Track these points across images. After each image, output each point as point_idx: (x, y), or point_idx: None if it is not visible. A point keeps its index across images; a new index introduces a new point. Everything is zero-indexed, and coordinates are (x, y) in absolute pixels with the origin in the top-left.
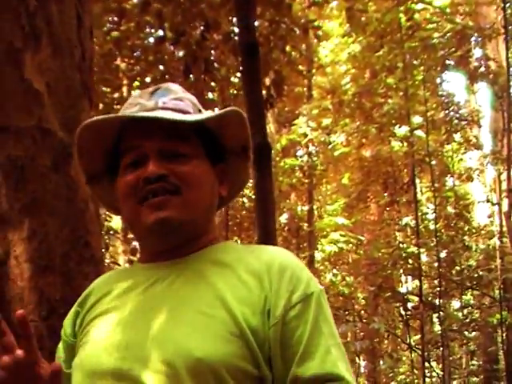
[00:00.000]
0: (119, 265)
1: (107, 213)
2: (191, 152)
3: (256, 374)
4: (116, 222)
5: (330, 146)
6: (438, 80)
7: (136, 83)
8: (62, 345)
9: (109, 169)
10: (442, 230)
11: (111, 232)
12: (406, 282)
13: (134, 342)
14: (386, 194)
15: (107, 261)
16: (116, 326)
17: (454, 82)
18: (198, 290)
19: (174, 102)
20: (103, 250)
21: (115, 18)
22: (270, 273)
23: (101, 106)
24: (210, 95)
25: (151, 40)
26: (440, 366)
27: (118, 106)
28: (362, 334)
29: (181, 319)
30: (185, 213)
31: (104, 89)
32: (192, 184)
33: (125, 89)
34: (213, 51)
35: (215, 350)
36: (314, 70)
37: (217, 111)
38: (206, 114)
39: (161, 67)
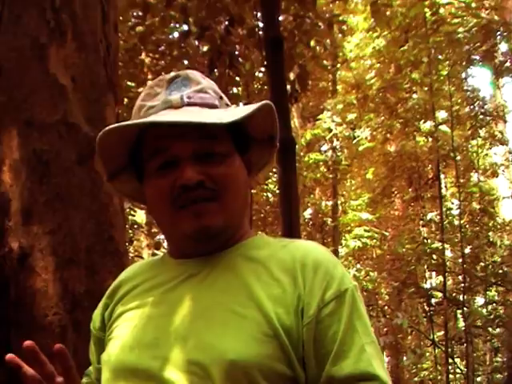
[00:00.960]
0: (143, 258)
1: (131, 207)
2: (224, 150)
3: (290, 375)
4: (140, 216)
5: (354, 141)
6: (463, 75)
7: None
8: (92, 340)
9: (130, 164)
10: (467, 226)
11: (135, 226)
12: (430, 278)
13: (164, 340)
14: (410, 190)
15: (131, 254)
16: (146, 323)
17: (479, 77)
18: (231, 288)
19: (200, 96)
20: (127, 244)
21: (140, 13)
22: (304, 270)
23: (125, 100)
24: (235, 90)
25: (176, 35)
26: (464, 362)
27: None
28: (385, 329)
29: (213, 319)
30: (224, 218)
31: (129, 83)
32: (228, 187)
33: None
34: (237, 46)
35: (248, 352)
36: (338, 65)
37: (248, 107)
38: (238, 110)
39: (185, 62)
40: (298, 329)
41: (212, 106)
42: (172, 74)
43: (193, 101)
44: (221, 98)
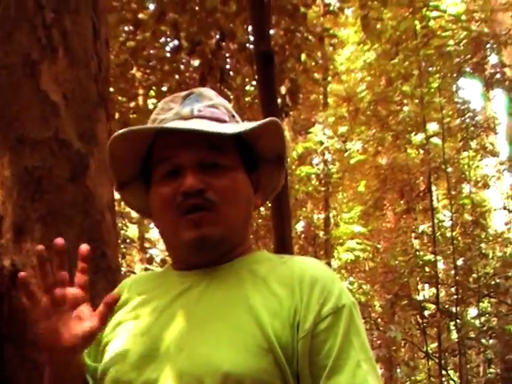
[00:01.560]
0: (135, 273)
1: (124, 222)
2: (229, 163)
3: None
4: (132, 230)
5: (346, 154)
6: (454, 87)
7: (152, 93)
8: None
9: (140, 174)
10: (459, 238)
11: (128, 241)
12: (423, 290)
13: (161, 352)
14: (402, 202)
15: (123, 269)
16: (144, 334)
17: (469, 89)
18: (229, 300)
19: (210, 110)
20: (120, 259)
21: (131, 28)
22: (302, 285)
23: (117, 115)
24: None
25: (167, 50)
26: (457, 374)
27: (135, 115)
28: (378, 342)
29: (209, 330)
30: (222, 230)
31: (120, 98)
32: (229, 199)
33: (141, 98)
34: (228, 60)
35: (243, 364)
36: (329, 78)
37: (255, 122)
38: (244, 124)
39: (176, 77)
40: (293, 343)
41: (221, 121)
42: (187, 91)
43: (203, 114)
44: (233, 116)
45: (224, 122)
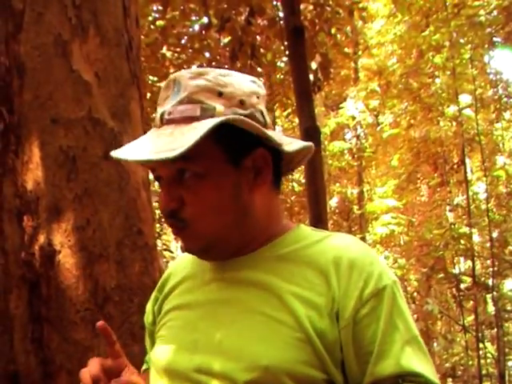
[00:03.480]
0: (172, 252)
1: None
2: (206, 167)
3: (324, 379)
4: None
5: (378, 128)
6: (486, 58)
7: None
8: (147, 332)
9: None
10: (494, 210)
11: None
12: (459, 263)
13: (201, 344)
14: (436, 175)
15: (159, 248)
16: (185, 325)
17: (502, 60)
18: (263, 291)
19: (180, 109)
20: (156, 237)
21: (160, 7)
22: (338, 271)
23: (148, 95)
24: None
25: (197, 27)
26: (494, 346)
27: None
28: (415, 315)
29: (245, 323)
30: (202, 241)
31: (151, 78)
32: (206, 211)
33: None
34: (258, 36)
35: (282, 358)
36: (360, 52)
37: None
38: (201, 128)
39: (207, 54)
40: (333, 332)
41: (191, 119)
42: (173, 76)
43: (171, 117)
44: (220, 93)
45: (194, 119)
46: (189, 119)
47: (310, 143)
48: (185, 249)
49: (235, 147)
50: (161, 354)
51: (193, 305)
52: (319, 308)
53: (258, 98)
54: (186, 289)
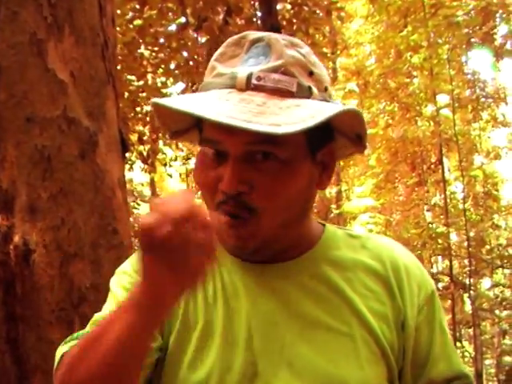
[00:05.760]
0: None
1: (136, 201)
2: (288, 156)
3: None
4: (144, 209)
5: None
6: (464, 58)
7: (160, 70)
8: (115, 298)
9: (195, 125)
10: (471, 209)
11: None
12: (436, 262)
13: (263, 366)
14: (413, 174)
15: (136, 247)
16: (232, 343)
17: (479, 60)
18: (327, 301)
19: (274, 78)
20: (132, 238)
21: (137, 6)
22: (398, 280)
23: (126, 94)
24: None
25: (174, 27)
26: (472, 345)
27: (144, 94)
28: None
29: (317, 340)
30: (261, 238)
31: (129, 77)
32: (277, 203)
33: (149, 76)
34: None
35: (367, 377)
36: (338, 52)
37: (330, 109)
38: (313, 112)
39: (184, 53)
40: (398, 342)
41: (285, 94)
42: (257, 35)
43: (262, 83)
44: (310, 73)
45: (290, 94)
46: (284, 93)
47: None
48: (236, 246)
49: (317, 137)
50: (203, 381)
51: (232, 316)
52: (387, 319)
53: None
54: (209, 296)
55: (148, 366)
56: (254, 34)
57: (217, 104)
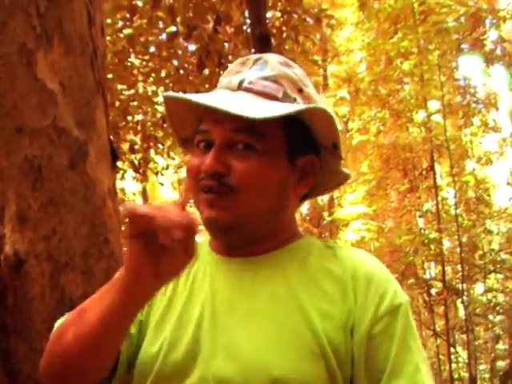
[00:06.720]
0: None
1: None
2: (265, 148)
3: None
4: None
5: (347, 135)
6: (454, 64)
7: (151, 79)
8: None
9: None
10: (463, 215)
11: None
12: (429, 268)
13: (203, 345)
14: (405, 181)
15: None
16: (187, 323)
17: (469, 66)
18: (277, 297)
19: (263, 84)
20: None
21: (127, 15)
22: (355, 284)
23: (117, 103)
24: None
25: (164, 36)
26: (466, 351)
27: (135, 103)
28: None
29: (256, 329)
30: (234, 215)
31: (119, 86)
32: (251, 185)
33: (140, 85)
34: (226, 44)
35: (295, 370)
36: (328, 60)
37: (302, 106)
38: (287, 107)
39: (175, 62)
40: (346, 346)
41: (270, 97)
42: (259, 55)
43: (251, 87)
44: (299, 90)
45: (274, 98)
46: (269, 96)
47: (348, 172)
48: (213, 219)
49: (297, 143)
50: (155, 351)
51: (196, 301)
52: (335, 321)
53: None
54: (186, 283)
55: (133, 336)
56: (257, 55)
57: (209, 96)
